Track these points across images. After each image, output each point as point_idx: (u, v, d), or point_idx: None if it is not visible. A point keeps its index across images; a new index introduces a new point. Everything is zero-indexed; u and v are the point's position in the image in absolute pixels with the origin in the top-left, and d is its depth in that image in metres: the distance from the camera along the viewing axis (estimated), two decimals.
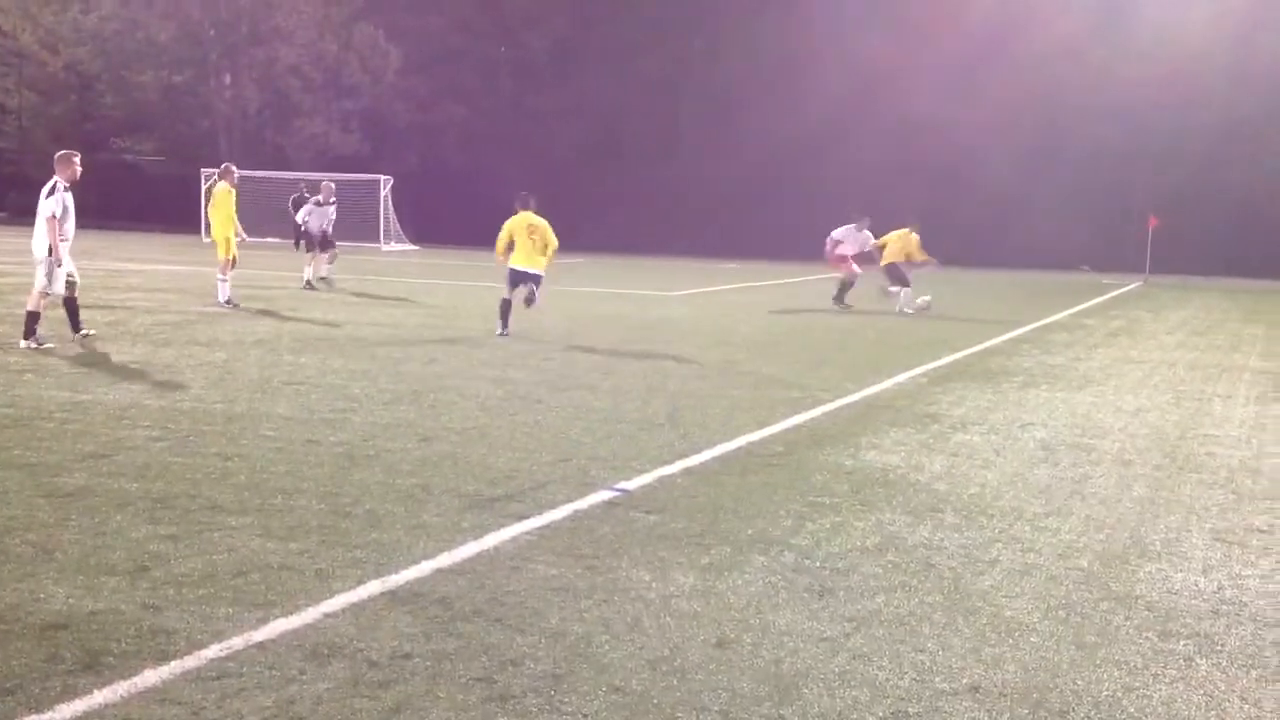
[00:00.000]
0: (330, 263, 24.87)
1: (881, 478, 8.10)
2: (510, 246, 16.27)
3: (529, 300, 16.07)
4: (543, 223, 16.11)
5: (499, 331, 15.77)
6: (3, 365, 11.58)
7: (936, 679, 4.65)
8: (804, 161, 45.85)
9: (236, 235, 19.35)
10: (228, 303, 18.80)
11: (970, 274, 38.66)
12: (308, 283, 23.47)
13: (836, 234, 24.47)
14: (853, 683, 4.57)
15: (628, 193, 49.47)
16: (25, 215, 47.25)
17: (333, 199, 25.16)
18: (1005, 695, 4.52)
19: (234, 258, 19.27)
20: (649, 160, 49.89)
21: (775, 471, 8.19)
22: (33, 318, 13.18)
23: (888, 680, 4.62)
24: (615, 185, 49.60)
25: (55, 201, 13.22)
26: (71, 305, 13.70)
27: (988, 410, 11.17)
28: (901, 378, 13.18)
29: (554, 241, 16.18)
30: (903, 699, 4.46)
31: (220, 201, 19.53)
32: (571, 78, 50.68)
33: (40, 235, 13.32)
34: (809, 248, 32.57)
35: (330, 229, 25.00)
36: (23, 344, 13.00)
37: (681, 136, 49.84)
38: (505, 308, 16.01)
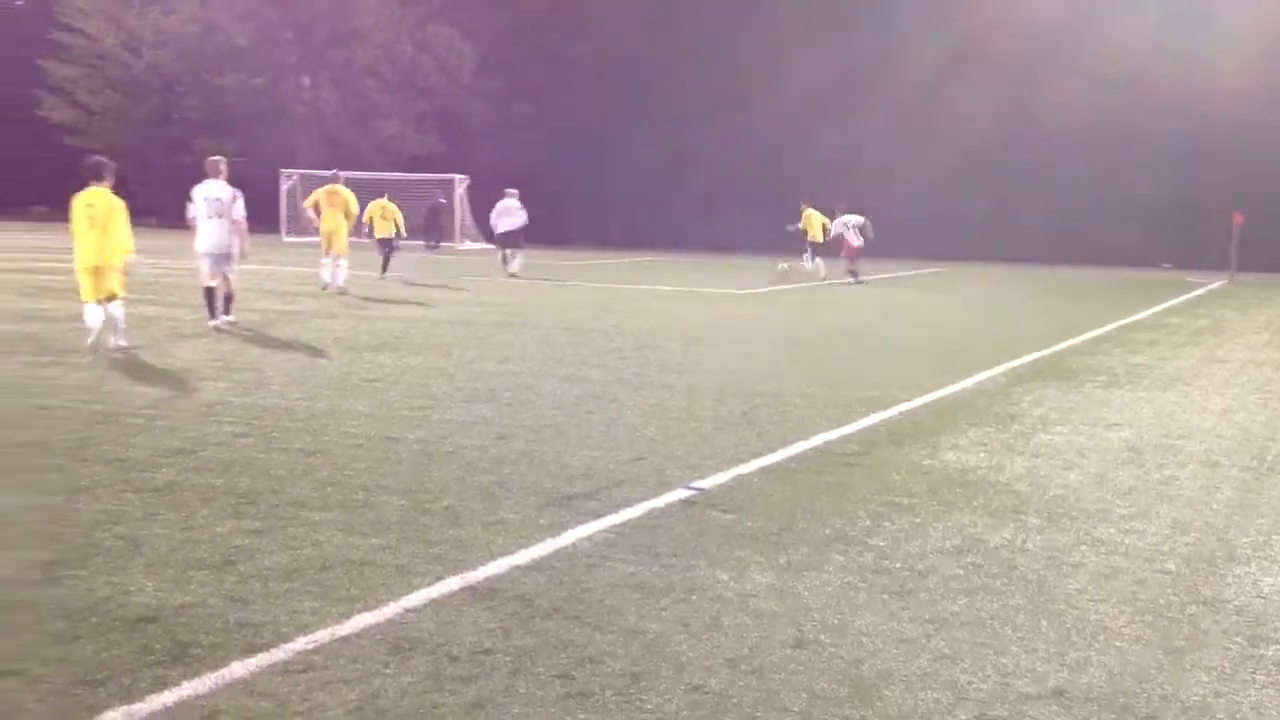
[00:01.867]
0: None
1: (961, 478, 8.02)
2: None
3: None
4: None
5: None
6: (93, 363, 11.84)
7: (1020, 682, 4.60)
8: (877, 160, 45.46)
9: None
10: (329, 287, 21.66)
11: (1047, 271, 38.17)
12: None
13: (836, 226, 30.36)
14: (934, 685, 4.53)
15: (699, 191, 49.42)
16: None
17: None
18: (1091, 699, 4.46)
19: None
20: (720, 160, 49.77)
21: (852, 471, 8.15)
22: (228, 299, 15.59)
23: (970, 683, 4.57)
24: (686, 184, 49.56)
25: (240, 207, 15.58)
26: (211, 295, 15.59)
27: (1070, 410, 11.01)
28: (980, 377, 13.03)
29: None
30: (985, 702, 4.41)
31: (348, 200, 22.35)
32: (642, 78, 50.69)
33: (226, 232, 15.40)
34: (882, 245, 32.32)
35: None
36: (228, 318, 15.39)
37: (753, 136, 49.64)
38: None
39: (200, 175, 15.93)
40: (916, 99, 45.35)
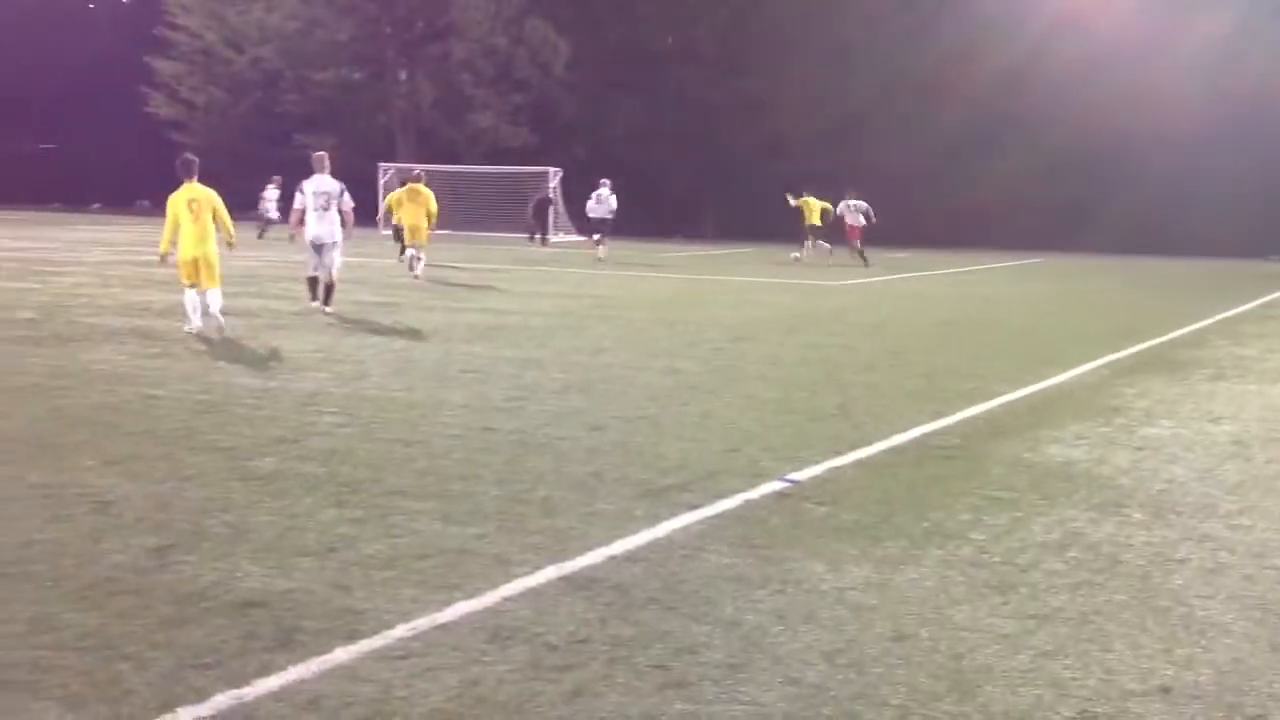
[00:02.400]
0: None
1: (1063, 472, 7.88)
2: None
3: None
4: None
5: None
6: (198, 354, 12.12)
7: (1125, 679, 4.51)
8: (974, 150, 44.79)
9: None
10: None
11: (1147, 262, 37.37)
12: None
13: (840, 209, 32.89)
14: (1037, 681, 4.46)
15: (792, 182, 49.13)
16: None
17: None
18: (1198, 697, 4.36)
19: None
20: (816, 150, 49.41)
21: (951, 464, 8.05)
22: (329, 290, 16.37)
23: (1073, 679, 4.49)
24: (780, 175, 49.27)
25: (347, 199, 16.64)
26: (314, 283, 16.59)
27: (1175, 403, 10.77)
28: (1082, 369, 12.79)
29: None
30: (1089, 699, 4.33)
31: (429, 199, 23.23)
32: (737, 68, 50.49)
33: (337, 223, 16.41)
34: (981, 235, 31.97)
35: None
36: (326, 309, 16.13)
37: (850, 125, 49.19)
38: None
39: (302, 170, 16.38)
40: (1004, 89, 44.60)
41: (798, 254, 33.28)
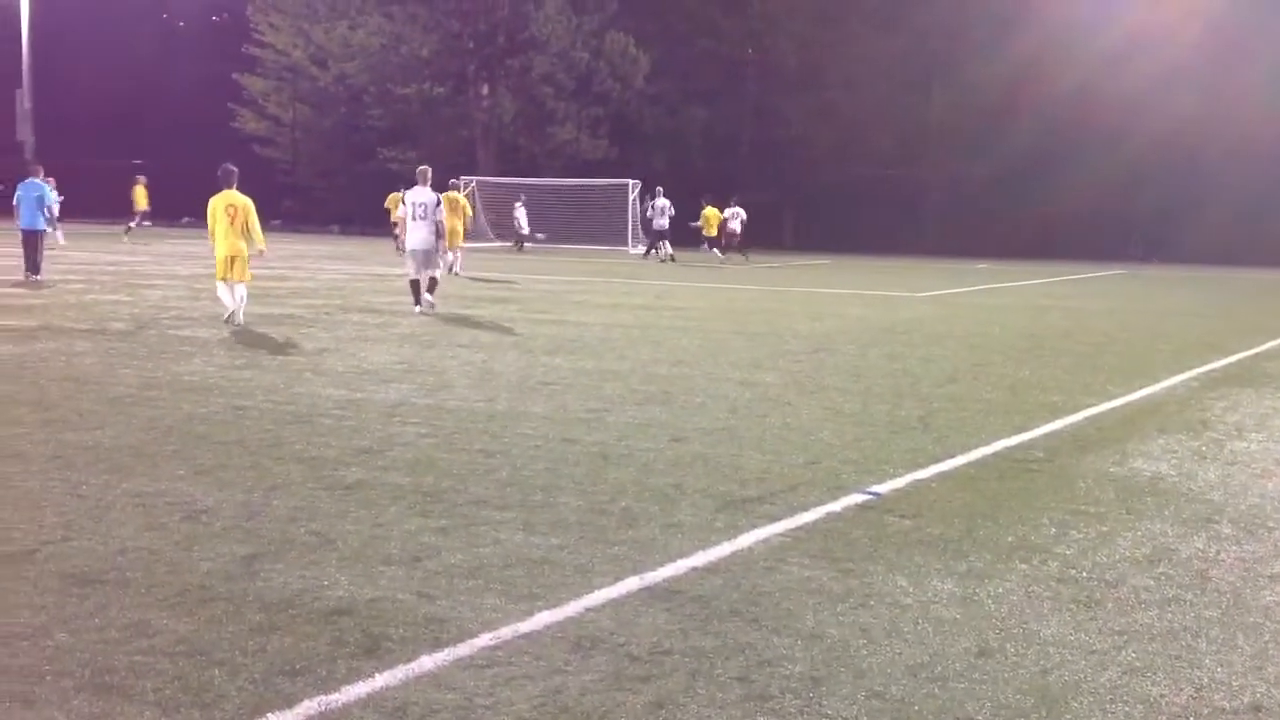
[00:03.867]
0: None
1: (1151, 486, 7.76)
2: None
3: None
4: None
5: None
6: (284, 365, 12.33)
7: (1216, 696, 4.43)
8: (1052, 161, 44.20)
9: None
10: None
11: (1231, 274, 36.61)
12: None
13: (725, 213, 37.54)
14: (1125, 698, 4.40)
15: (870, 192, 48.84)
16: (301, 222, 50.08)
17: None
18: None
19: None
20: (894, 159, 49.13)
21: (1035, 478, 7.95)
22: (433, 283, 18.26)
23: (1163, 696, 4.42)
24: (858, 185, 49.05)
25: (443, 210, 18.91)
26: (417, 286, 18.15)
27: (1266, 416, 10.54)
28: (1169, 382, 12.57)
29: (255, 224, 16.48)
30: (1179, 716, 4.26)
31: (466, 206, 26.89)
32: (815, 79, 50.32)
33: (430, 232, 18.31)
34: (1060, 246, 31.52)
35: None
36: (417, 309, 17.85)
37: (929, 136, 48.83)
38: None
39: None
40: (1080, 101, 44.01)
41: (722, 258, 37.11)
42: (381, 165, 53.48)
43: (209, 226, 16.21)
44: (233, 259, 15.94)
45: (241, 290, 16.10)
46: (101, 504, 6.68)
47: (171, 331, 14.93)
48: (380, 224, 40.93)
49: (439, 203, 18.71)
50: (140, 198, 40.87)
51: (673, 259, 36.52)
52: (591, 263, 35.76)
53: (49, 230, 23.64)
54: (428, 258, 18.36)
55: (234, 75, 59.53)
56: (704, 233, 37.93)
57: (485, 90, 52.46)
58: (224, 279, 16.02)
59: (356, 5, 53.75)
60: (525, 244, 41.60)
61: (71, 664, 4.45)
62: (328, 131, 60.01)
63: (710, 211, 37.85)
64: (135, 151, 60.66)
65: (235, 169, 16.42)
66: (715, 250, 37.59)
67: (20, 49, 57.14)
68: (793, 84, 50.95)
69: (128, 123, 67.10)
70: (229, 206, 16.00)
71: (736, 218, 38.33)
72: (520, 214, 41.35)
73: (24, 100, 57.63)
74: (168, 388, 10.68)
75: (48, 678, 4.33)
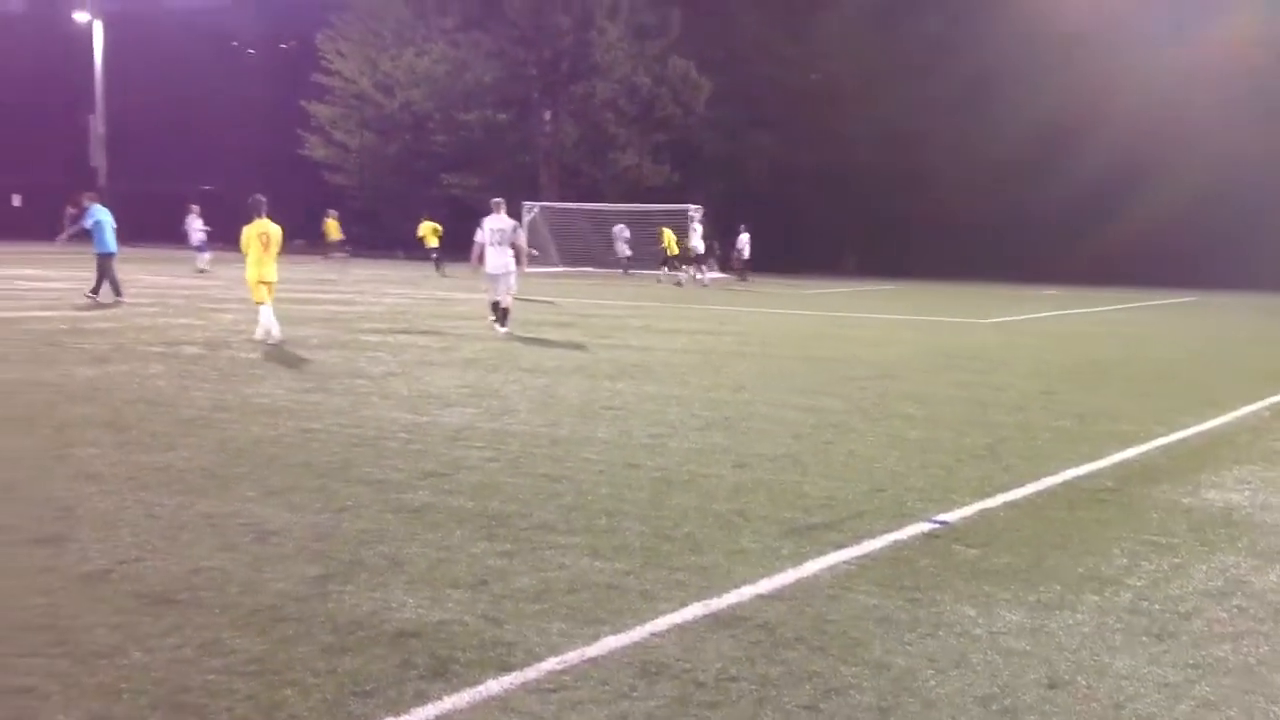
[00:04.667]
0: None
1: (1224, 517, 7.63)
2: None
3: None
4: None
5: None
6: (350, 389, 12.46)
7: None
8: (1119, 187, 43.71)
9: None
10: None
11: None
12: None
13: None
14: None
15: (933, 218, 48.49)
16: (366, 247, 50.67)
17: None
18: None
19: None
20: (958, 185, 48.77)
21: (1105, 508, 7.85)
22: (505, 313, 19.11)
23: None
24: (920, 211, 48.74)
25: (521, 235, 20.06)
26: (497, 307, 19.15)
27: None
28: (1241, 411, 12.36)
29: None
30: None
31: None
32: (878, 105, 50.17)
33: (508, 257, 19.28)
34: (1129, 273, 31.04)
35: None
36: (501, 328, 18.85)
37: (993, 162, 48.45)
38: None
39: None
40: (1146, 129, 43.55)
41: (679, 279, 38.83)
42: (445, 191, 54.03)
43: (244, 252, 17.20)
44: (270, 284, 17.00)
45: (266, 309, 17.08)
46: (175, 524, 6.79)
47: (241, 355, 15.15)
48: (443, 249, 41.49)
49: (516, 228, 19.79)
50: (332, 229, 41.32)
51: (678, 284, 37.59)
52: (652, 288, 35.82)
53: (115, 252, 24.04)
54: (505, 280, 19.27)
55: (301, 102, 60.48)
56: (668, 252, 39.99)
57: (548, 116, 52.87)
58: (260, 303, 16.94)
59: (423, 33, 54.44)
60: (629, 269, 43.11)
61: (147, 682, 4.52)
62: (392, 157, 60.70)
63: (668, 233, 39.94)
64: (203, 177, 61.77)
65: (264, 199, 17.39)
66: (669, 270, 39.78)
67: (93, 76, 58.49)
68: (855, 110, 50.81)
69: (196, 149, 68.33)
70: (261, 234, 17.03)
71: (744, 244, 41.92)
72: (622, 237, 41.98)
73: (97, 126, 58.96)
74: (238, 410, 10.83)
75: (125, 696, 4.40)
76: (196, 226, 38.18)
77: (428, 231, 40.74)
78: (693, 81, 51.15)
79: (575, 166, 54.33)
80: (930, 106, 48.60)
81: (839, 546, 6.68)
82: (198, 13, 73.99)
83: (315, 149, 60.70)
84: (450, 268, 37.65)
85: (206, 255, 37.37)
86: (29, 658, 4.73)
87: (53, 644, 4.89)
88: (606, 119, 52.40)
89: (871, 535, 6.94)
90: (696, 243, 38.98)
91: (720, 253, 42.98)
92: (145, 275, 31.73)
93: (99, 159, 59.24)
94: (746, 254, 42.36)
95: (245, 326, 18.66)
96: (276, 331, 16.76)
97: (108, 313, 20.93)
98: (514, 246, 19.51)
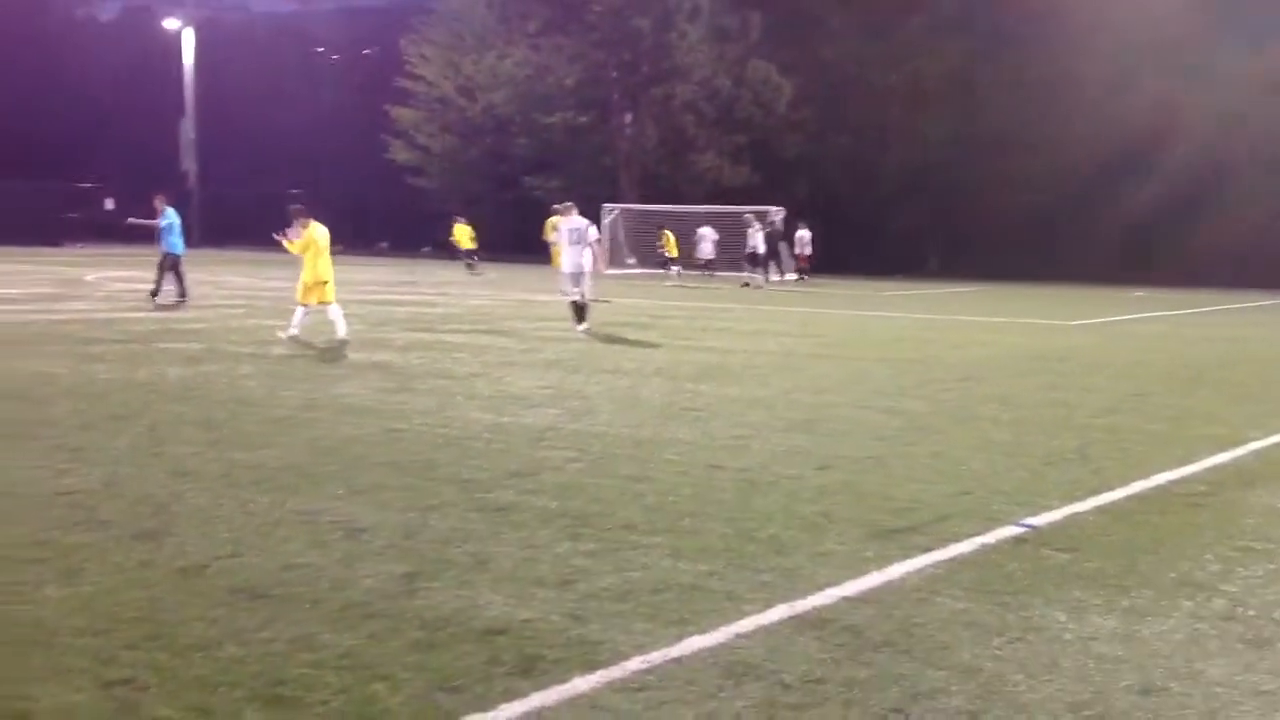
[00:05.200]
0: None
1: None
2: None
3: None
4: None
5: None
6: (435, 389, 12.60)
7: None
8: (1210, 187, 42.82)
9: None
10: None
11: None
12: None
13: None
14: None
15: (1019, 219, 47.85)
16: (448, 249, 51.34)
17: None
18: None
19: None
20: (1043, 186, 48.07)
21: (1199, 512, 7.70)
22: (583, 310, 19.57)
23: None
24: (1005, 211, 48.12)
25: (594, 232, 20.35)
26: (576, 306, 19.67)
27: None
28: None
29: None
30: None
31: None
32: (961, 104, 49.63)
33: (583, 256, 19.75)
34: (1221, 274, 30.35)
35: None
36: (579, 328, 19.25)
37: (1079, 161, 47.68)
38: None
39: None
40: (1245, 122, 42.57)
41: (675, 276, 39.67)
42: (526, 193, 54.35)
43: (308, 253, 17.33)
44: (326, 285, 17.31)
45: (336, 311, 17.27)
46: (268, 521, 6.92)
47: (328, 355, 15.38)
48: (524, 250, 41.86)
49: (589, 226, 20.20)
50: (463, 236, 41.97)
51: (762, 284, 37.51)
52: (733, 290, 35.76)
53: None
54: (582, 279, 19.77)
55: (385, 107, 61.25)
56: (665, 253, 40.54)
57: (628, 119, 52.97)
58: (305, 304, 17.17)
59: (504, 37, 54.84)
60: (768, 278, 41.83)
61: (243, 675, 4.62)
62: (474, 160, 61.25)
63: (669, 234, 40.60)
64: (289, 181, 62.81)
65: (302, 204, 18.13)
66: (675, 270, 40.25)
67: (183, 81, 59.74)
68: (938, 110, 50.31)
69: (282, 153, 69.53)
70: (320, 236, 17.44)
71: (804, 241, 42.15)
72: (757, 237, 39.67)
73: (188, 131, 60.22)
74: (326, 409, 11.01)
75: (221, 688, 4.50)
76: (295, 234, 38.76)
77: (462, 235, 41.37)
78: (773, 83, 50.94)
79: (655, 169, 54.36)
80: (1016, 106, 47.95)
81: (925, 550, 6.62)
82: (284, 19, 75.22)
83: (398, 152, 61.43)
84: (480, 266, 39.97)
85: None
86: (130, 650, 4.86)
87: (151, 637, 5.01)
88: (686, 121, 52.38)
89: (958, 539, 6.88)
90: (757, 244, 38.72)
91: (782, 254, 41.90)
92: (234, 277, 32.34)
93: (189, 163, 60.48)
94: (807, 251, 42.33)
95: (327, 329, 18.94)
96: (343, 332, 16.93)
97: (198, 314, 21.36)
98: (590, 245, 19.97)
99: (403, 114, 61.05)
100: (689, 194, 51.22)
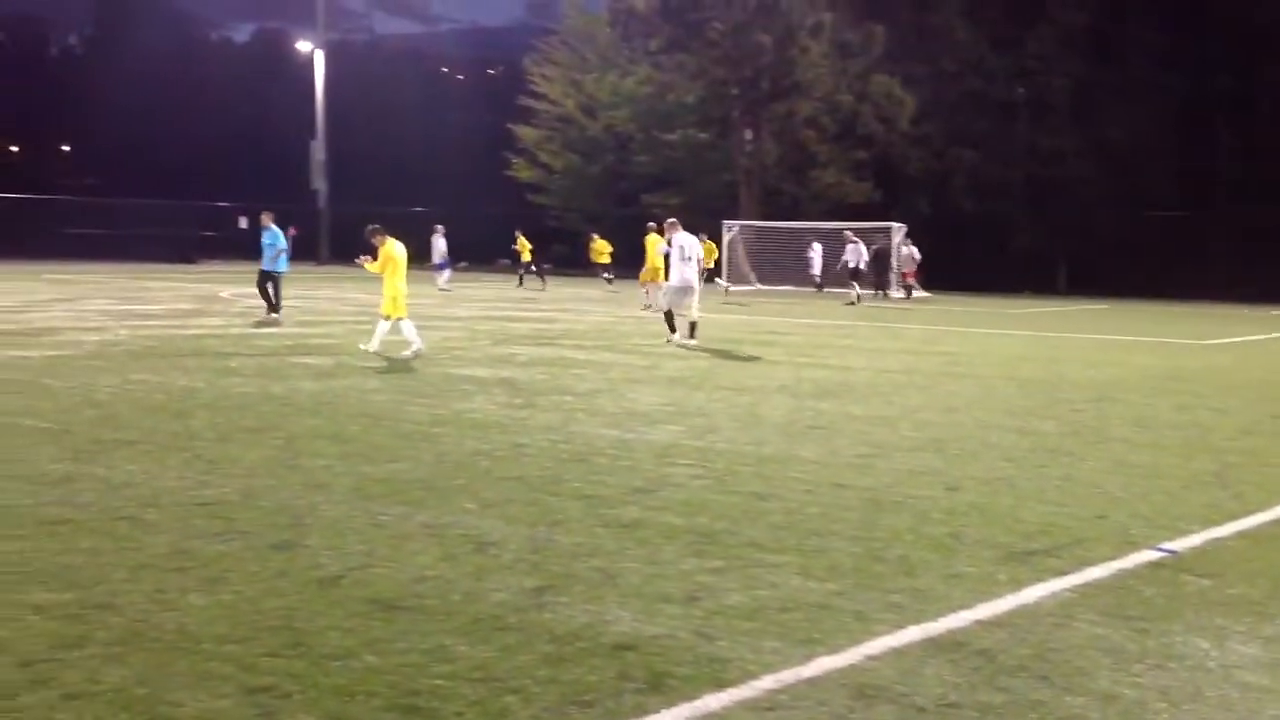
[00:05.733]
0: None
1: None
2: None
3: None
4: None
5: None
6: (558, 405, 12.71)
7: None
8: None
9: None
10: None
11: None
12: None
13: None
14: None
15: (1150, 235, 46.67)
16: (570, 267, 51.88)
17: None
18: None
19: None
20: (1175, 202, 46.85)
21: None
22: (693, 326, 19.99)
23: None
24: (1136, 228, 46.98)
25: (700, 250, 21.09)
26: (669, 317, 20.39)
27: None
28: None
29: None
30: None
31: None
32: (1091, 118, 48.58)
33: (693, 271, 20.31)
34: None
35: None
36: (690, 343, 19.63)
37: (1214, 177, 46.38)
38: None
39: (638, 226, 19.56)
40: None
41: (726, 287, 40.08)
42: (645, 210, 54.62)
43: (387, 269, 17.47)
44: (403, 298, 17.52)
45: (387, 325, 17.48)
46: (399, 533, 7.05)
47: (454, 371, 15.62)
48: (642, 266, 41.94)
49: (698, 243, 20.76)
50: (599, 251, 42.88)
51: (856, 301, 36.50)
52: (853, 307, 35.44)
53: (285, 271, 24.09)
54: (690, 294, 20.19)
55: (508, 125, 62.14)
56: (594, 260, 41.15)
57: (749, 135, 52.89)
58: (389, 317, 17.38)
59: (626, 55, 55.23)
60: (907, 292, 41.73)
61: (380, 685, 4.71)
62: (595, 178, 61.83)
63: (711, 243, 39.09)
64: (414, 199, 64.02)
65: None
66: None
67: (314, 103, 61.32)
68: (1067, 123, 49.33)
69: (406, 171, 70.94)
70: (398, 253, 17.62)
71: (911, 257, 41.27)
72: (856, 254, 39.13)
73: (318, 151, 61.75)
74: (453, 424, 11.18)
75: (359, 697, 4.59)
76: (440, 248, 39.46)
77: (524, 248, 41.93)
78: (896, 98, 50.43)
79: (775, 185, 54.20)
80: (1148, 119, 46.80)
81: (1060, 573, 6.49)
82: (408, 40, 76.82)
83: (520, 170, 62.31)
84: (527, 279, 41.20)
85: (446, 274, 38.91)
86: (270, 658, 4.98)
87: (291, 645, 5.13)
88: (808, 137, 52.13)
89: (1094, 562, 6.72)
90: (858, 261, 38.12)
91: (877, 270, 40.77)
92: (361, 294, 33.03)
93: (319, 183, 62.00)
94: (912, 268, 41.41)
95: (459, 345, 19.25)
96: (418, 344, 17.07)
97: (327, 330, 21.86)
98: (697, 261, 20.47)
99: (525, 132, 61.92)
100: (809, 210, 50.97)
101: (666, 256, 21.68)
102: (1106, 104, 48.06)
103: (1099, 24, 48.26)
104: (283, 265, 23.81)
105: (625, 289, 39.04)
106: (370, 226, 18.00)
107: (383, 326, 17.40)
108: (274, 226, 23.96)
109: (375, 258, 17.65)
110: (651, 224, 30.58)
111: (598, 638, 5.31)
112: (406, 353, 16.92)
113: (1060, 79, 49.64)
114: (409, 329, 17.19)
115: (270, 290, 23.48)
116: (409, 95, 78.41)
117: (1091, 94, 48.60)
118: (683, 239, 20.46)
